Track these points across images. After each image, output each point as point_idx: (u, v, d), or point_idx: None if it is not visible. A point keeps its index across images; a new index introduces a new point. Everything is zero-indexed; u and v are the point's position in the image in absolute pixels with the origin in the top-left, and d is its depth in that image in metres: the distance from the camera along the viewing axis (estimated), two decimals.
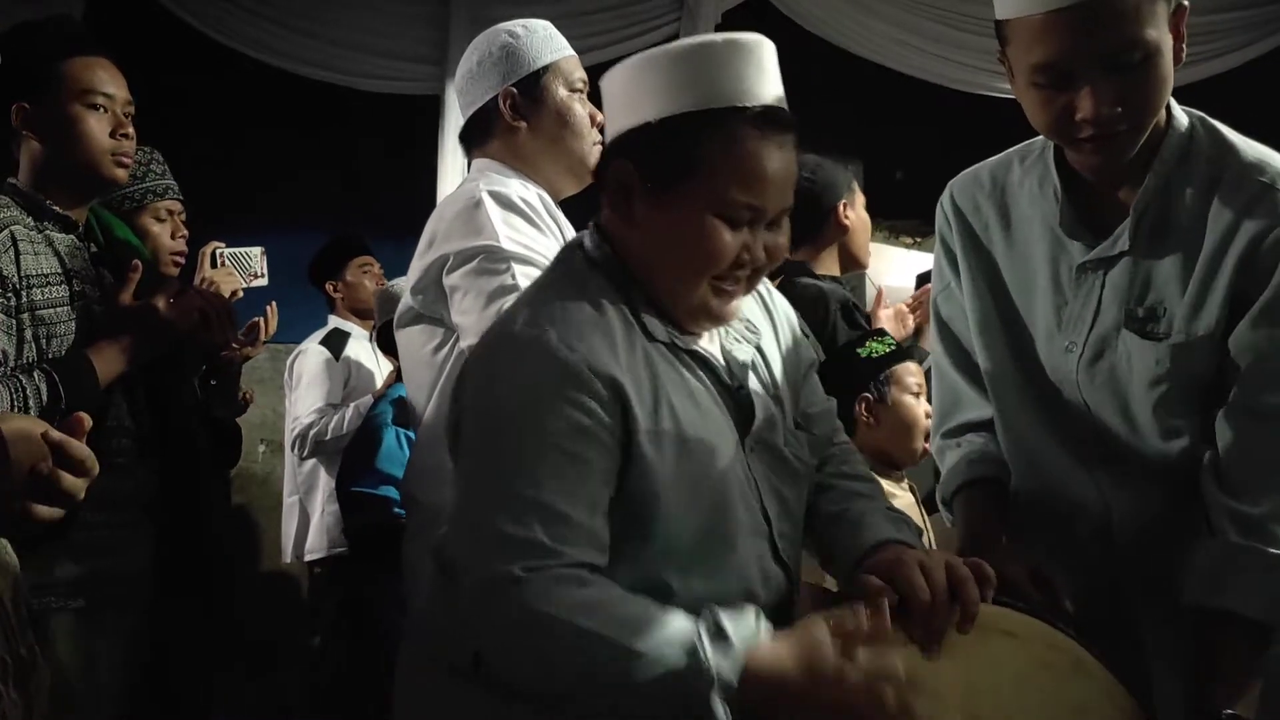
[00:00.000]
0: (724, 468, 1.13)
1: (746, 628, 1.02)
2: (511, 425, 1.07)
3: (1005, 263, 1.42)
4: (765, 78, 1.12)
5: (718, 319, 1.17)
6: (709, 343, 1.20)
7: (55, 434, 0.90)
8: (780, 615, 1.14)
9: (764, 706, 0.99)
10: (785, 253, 1.17)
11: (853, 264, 2.73)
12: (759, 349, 1.25)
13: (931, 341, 1.57)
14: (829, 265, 2.66)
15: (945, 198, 1.50)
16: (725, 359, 1.20)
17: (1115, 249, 1.30)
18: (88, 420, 0.92)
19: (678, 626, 1.00)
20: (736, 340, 1.23)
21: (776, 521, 1.18)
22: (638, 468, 1.08)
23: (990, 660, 1.09)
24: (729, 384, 1.17)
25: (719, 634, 1.00)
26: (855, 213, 2.66)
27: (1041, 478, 1.43)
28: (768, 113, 1.11)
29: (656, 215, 1.12)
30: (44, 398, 1.53)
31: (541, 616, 1.00)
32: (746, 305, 1.25)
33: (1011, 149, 1.46)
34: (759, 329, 1.26)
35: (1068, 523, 1.41)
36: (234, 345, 2.42)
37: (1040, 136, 1.37)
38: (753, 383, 1.21)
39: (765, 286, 1.31)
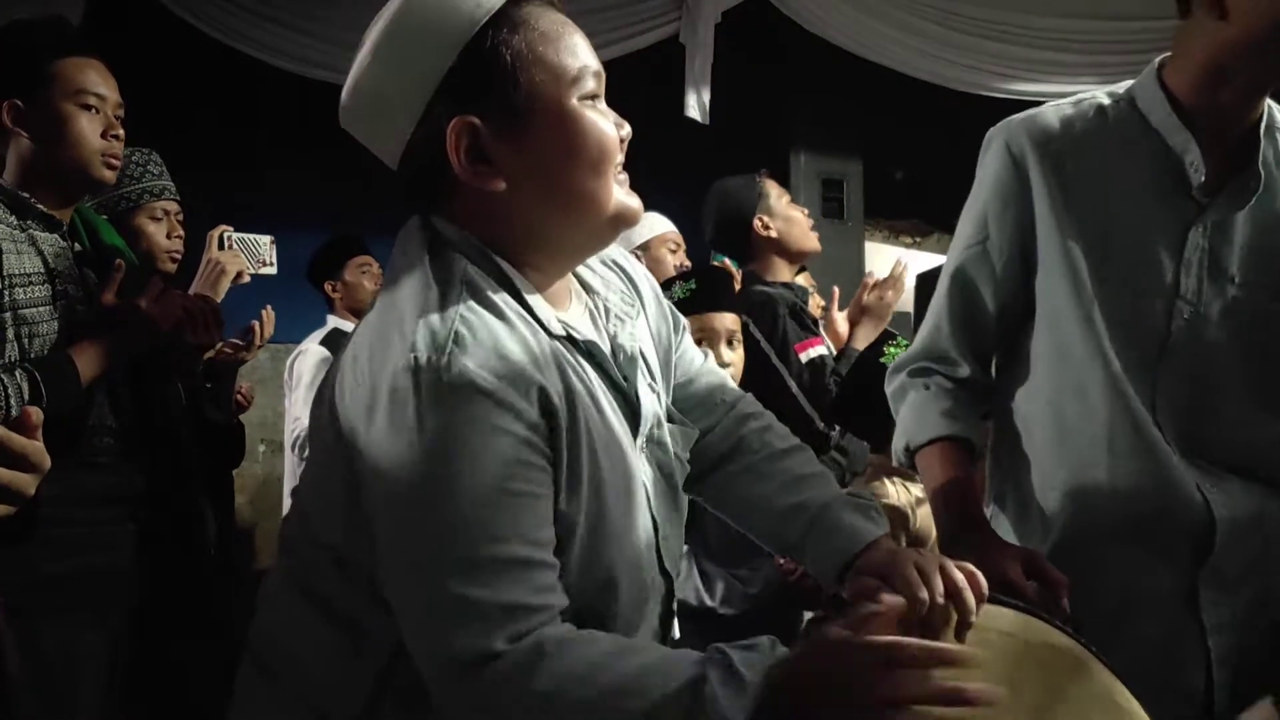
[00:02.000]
0: (629, 482, 1.05)
1: (759, 656, 0.94)
2: (449, 478, 0.92)
3: (1095, 219, 1.32)
4: None
5: (637, 214, 1.08)
6: (591, 330, 1.10)
7: None
8: (664, 625, 1.12)
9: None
10: None
11: (798, 258, 2.82)
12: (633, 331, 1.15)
13: (936, 294, 1.45)
14: (777, 271, 2.77)
15: (1015, 135, 1.35)
16: (613, 350, 1.11)
17: (1234, 205, 1.28)
18: (36, 414, 0.88)
19: (681, 674, 0.92)
20: (619, 319, 1.14)
21: (662, 526, 1.11)
22: (563, 491, 0.99)
23: (988, 661, 1.07)
24: (621, 385, 1.09)
25: (730, 675, 0.92)
26: (775, 218, 2.76)
27: (1121, 470, 1.31)
28: None
29: (521, 149, 1.01)
30: (25, 396, 1.52)
31: (538, 695, 0.92)
32: (610, 279, 1.18)
33: (1067, 100, 1.37)
34: (633, 300, 1.17)
35: (1154, 520, 1.29)
36: (228, 349, 2.41)
37: (1105, 90, 1.35)
38: (640, 374, 1.12)
39: (620, 252, 1.22)
